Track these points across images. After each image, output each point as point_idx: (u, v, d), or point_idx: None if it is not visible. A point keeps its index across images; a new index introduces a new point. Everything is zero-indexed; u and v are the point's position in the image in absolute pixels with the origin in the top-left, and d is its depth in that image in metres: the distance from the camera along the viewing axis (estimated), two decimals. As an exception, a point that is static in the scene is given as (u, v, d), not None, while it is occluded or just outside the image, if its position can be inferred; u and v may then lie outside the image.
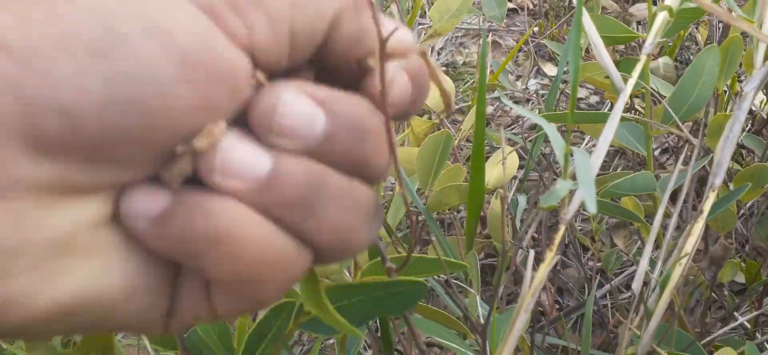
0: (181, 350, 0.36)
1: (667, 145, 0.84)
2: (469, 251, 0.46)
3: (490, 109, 1.15)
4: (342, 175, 0.16)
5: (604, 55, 0.32)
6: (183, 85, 0.14)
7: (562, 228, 0.26)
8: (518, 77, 1.22)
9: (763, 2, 0.36)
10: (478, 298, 0.47)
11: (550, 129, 0.26)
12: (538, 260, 0.27)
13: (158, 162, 0.15)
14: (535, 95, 1.06)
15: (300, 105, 0.16)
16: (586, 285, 0.77)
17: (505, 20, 1.71)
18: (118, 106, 0.14)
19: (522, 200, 0.56)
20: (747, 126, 0.65)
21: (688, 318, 0.55)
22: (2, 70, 0.13)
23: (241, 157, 0.15)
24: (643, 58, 0.31)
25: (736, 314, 0.53)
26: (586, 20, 0.33)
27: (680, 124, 0.38)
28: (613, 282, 0.49)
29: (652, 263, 0.37)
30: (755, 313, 0.50)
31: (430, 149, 0.46)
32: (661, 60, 0.86)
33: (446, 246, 0.48)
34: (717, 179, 0.33)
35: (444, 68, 1.22)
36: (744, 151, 0.72)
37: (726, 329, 0.49)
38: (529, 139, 0.71)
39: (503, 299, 0.73)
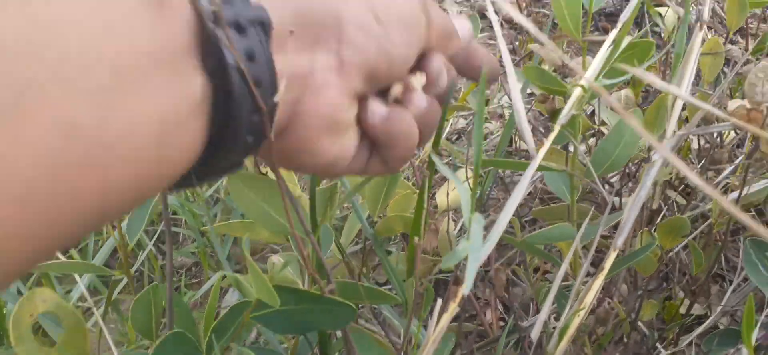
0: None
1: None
2: (409, 278, 0.49)
3: (463, 123, 1.18)
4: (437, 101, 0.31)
5: (522, 121, 0.35)
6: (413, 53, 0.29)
7: (459, 292, 0.29)
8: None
9: (684, 65, 0.39)
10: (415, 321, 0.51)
11: (458, 182, 0.29)
12: (490, 282, 0.30)
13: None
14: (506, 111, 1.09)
15: (445, 72, 0.30)
16: (531, 305, 0.81)
17: (486, 33, 1.74)
18: (395, 59, 0.28)
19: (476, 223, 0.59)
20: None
21: (613, 353, 0.59)
22: (373, 30, 0.26)
23: (419, 95, 0.29)
24: (556, 127, 0.34)
25: (659, 347, 0.56)
26: (513, 81, 0.36)
27: (597, 179, 0.41)
28: (541, 313, 0.53)
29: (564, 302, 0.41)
30: (672, 350, 0.54)
31: (378, 180, 0.49)
32: (623, 92, 0.89)
33: (391, 272, 0.51)
34: (619, 240, 0.36)
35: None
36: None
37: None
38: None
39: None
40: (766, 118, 0.41)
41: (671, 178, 0.59)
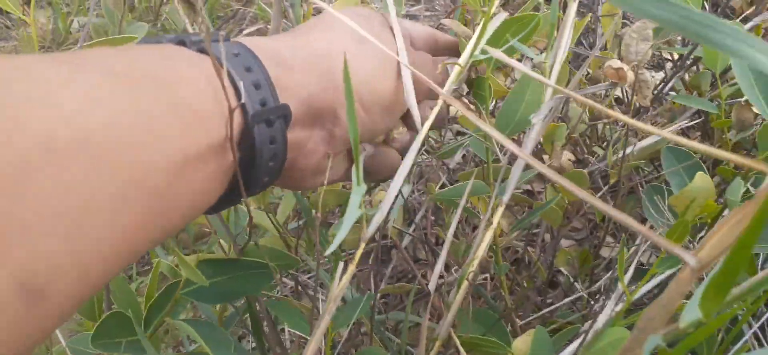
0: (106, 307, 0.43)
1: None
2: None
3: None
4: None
5: (410, 96, 0.39)
6: (393, 125, 0.41)
7: (360, 246, 0.33)
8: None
9: (557, 47, 0.44)
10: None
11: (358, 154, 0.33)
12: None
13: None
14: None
15: (428, 110, 0.39)
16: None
17: (426, 3, 1.75)
18: (376, 132, 0.39)
19: (406, 188, 0.63)
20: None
21: (535, 298, 0.64)
22: (360, 117, 0.37)
23: (402, 137, 0.42)
24: (440, 101, 0.39)
25: (577, 287, 0.62)
26: (400, 43, 0.39)
27: (505, 139, 0.46)
28: (436, 265, 0.57)
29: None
30: (587, 289, 0.59)
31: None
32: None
33: (322, 238, 0.55)
34: (504, 196, 0.41)
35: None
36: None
37: (561, 303, 0.58)
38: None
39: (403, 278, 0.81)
40: (638, 74, 0.45)
41: (582, 135, 0.64)
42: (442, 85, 0.42)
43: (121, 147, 0.23)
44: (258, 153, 0.31)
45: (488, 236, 0.40)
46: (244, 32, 1.15)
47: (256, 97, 0.30)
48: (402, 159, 0.40)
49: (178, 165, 0.26)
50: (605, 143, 0.70)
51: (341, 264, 0.36)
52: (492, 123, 0.49)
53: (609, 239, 0.76)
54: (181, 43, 0.31)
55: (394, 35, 0.39)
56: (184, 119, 0.26)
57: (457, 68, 0.39)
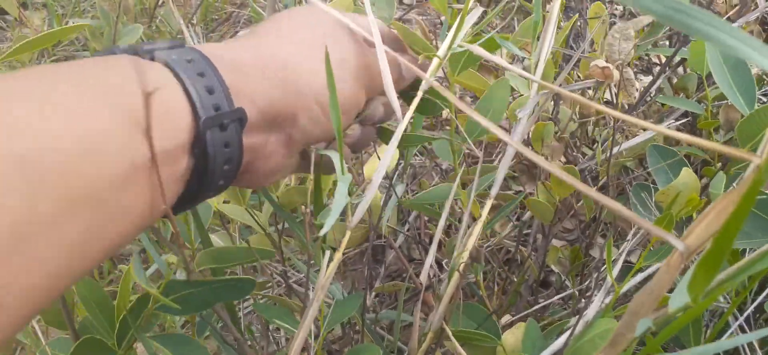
0: (71, 332, 0.43)
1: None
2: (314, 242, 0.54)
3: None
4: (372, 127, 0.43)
5: (389, 87, 0.39)
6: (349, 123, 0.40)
7: (347, 234, 0.34)
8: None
9: (541, 43, 0.45)
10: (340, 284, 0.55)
11: (335, 157, 0.34)
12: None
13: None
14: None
15: (381, 107, 0.42)
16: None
17: (418, 8, 1.76)
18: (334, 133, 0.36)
19: (399, 188, 0.64)
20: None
21: (528, 297, 0.65)
22: (320, 120, 0.36)
23: (353, 133, 0.41)
24: (420, 92, 0.39)
25: (568, 284, 0.63)
26: (378, 41, 0.40)
27: (471, 143, 0.46)
28: (427, 259, 0.58)
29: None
30: (578, 287, 0.60)
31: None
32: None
33: (300, 233, 0.56)
34: (493, 190, 0.41)
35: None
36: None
37: (552, 300, 0.59)
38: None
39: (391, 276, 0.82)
40: (623, 72, 0.46)
41: (573, 134, 0.65)
42: (407, 79, 0.43)
43: (61, 162, 0.23)
44: (211, 158, 0.31)
45: (478, 228, 0.41)
46: (239, 34, 1.16)
47: (209, 102, 0.30)
48: (350, 151, 0.42)
49: (124, 175, 0.26)
50: (594, 145, 0.71)
51: (328, 252, 0.36)
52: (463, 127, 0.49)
53: (599, 239, 0.77)
54: (135, 53, 0.31)
55: (350, 36, 0.39)
56: (129, 129, 0.26)
57: (436, 61, 0.40)
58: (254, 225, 0.54)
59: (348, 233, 0.35)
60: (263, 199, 0.61)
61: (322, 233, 0.31)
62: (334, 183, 0.56)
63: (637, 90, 0.46)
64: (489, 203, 0.41)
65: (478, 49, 0.38)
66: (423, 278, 0.39)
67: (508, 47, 0.44)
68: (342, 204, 0.30)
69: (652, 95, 0.69)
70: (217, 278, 0.40)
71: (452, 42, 0.39)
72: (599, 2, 0.64)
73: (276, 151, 0.36)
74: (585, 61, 0.61)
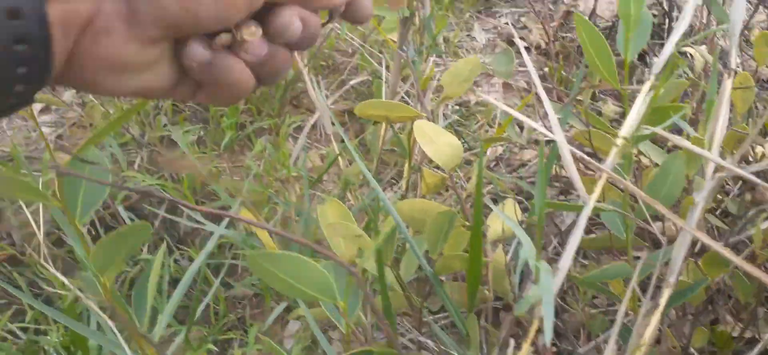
0: None
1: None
2: (470, 313, 0.53)
3: (500, 150, 1.21)
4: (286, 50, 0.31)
5: (572, 170, 0.39)
6: (233, 13, 0.28)
7: (533, 327, 0.33)
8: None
9: (714, 125, 0.43)
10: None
11: (522, 235, 0.34)
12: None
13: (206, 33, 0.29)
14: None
15: (295, 24, 0.30)
16: (581, 330, 0.83)
17: (515, 62, 1.76)
18: (202, 19, 0.27)
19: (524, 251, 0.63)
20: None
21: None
22: None
23: (255, 45, 0.29)
24: (603, 178, 0.38)
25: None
26: (551, 115, 0.39)
27: (649, 218, 0.45)
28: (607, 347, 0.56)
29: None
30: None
31: (438, 224, 0.53)
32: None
33: (453, 309, 0.55)
34: (671, 278, 0.40)
35: (457, 106, 1.29)
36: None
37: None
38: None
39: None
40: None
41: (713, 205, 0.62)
42: None
43: None
44: None
45: (656, 318, 0.39)
46: (351, 83, 1.19)
47: None
48: (252, 76, 0.30)
49: None
50: (727, 218, 0.67)
51: (512, 341, 0.36)
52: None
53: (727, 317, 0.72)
54: None
55: None
56: None
57: (618, 146, 0.39)
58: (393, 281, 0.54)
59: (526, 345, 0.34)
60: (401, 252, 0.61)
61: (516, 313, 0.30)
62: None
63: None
64: (667, 291, 0.40)
65: (667, 135, 0.37)
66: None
67: (684, 127, 0.42)
68: (552, 305, 0.29)
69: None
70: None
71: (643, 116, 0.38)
72: (745, 72, 0.62)
73: (111, 27, 0.27)
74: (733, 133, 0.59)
